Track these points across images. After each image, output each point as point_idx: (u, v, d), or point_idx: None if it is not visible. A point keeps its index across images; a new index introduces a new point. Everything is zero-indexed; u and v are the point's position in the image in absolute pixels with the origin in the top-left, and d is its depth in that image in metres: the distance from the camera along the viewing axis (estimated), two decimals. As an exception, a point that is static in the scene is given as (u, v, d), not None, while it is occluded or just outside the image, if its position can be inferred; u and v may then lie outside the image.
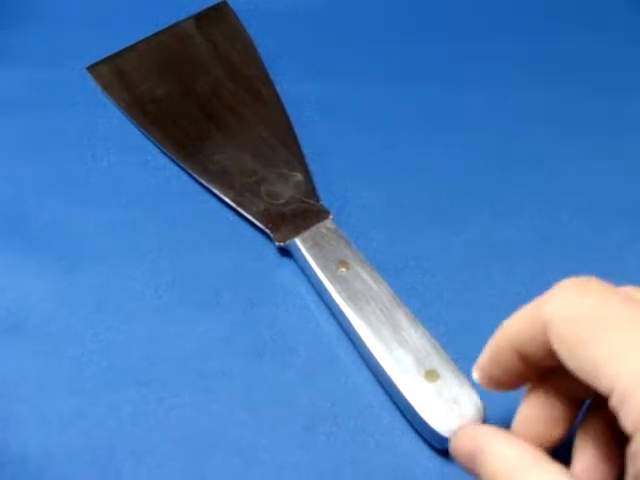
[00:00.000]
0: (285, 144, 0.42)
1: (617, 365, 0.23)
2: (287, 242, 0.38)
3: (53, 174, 0.42)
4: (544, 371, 0.28)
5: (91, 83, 0.46)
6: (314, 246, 0.37)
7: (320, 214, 0.39)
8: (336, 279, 0.36)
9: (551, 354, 0.26)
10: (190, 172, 0.42)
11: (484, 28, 0.49)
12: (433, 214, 0.41)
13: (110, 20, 0.49)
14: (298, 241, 0.38)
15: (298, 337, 0.37)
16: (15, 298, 0.38)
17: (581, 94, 0.45)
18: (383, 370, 0.34)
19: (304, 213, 0.39)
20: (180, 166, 0.42)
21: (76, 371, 0.36)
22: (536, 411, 0.29)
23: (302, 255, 0.37)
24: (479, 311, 0.37)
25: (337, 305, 0.36)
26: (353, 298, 0.36)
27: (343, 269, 0.36)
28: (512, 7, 0.50)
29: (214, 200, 0.41)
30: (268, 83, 0.45)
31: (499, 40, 0.48)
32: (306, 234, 0.38)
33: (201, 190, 0.42)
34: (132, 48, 0.47)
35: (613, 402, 0.24)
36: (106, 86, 0.45)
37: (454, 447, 0.30)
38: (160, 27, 0.48)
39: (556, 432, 0.28)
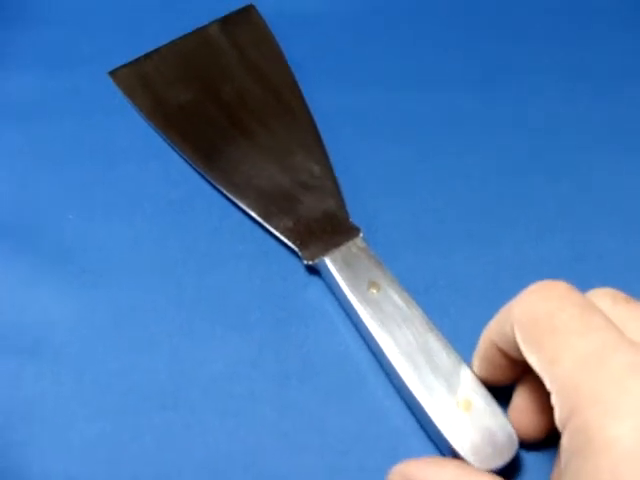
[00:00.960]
0: (313, 156, 0.41)
1: (554, 367, 0.26)
2: (316, 261, 0.37)
3: (72, 185, 0.41)
4: (526, 365, 0.29)
5: (111, 89, 0.44)
6: (344, 266, 0.36)
7: (350, 232, 0.37)
8: (366, 301, 0.35)
9: (520, 351, 0.28)
10: (215, 184, 0.40)
11: (516, 37, 0.47)
12: (464, 230, 0.39)
13: (131, 24, 0.48)
14: (327, 260, 0.36)
15: (327, 359, 0.36)
16: (34, 316, 0.37)
17: (617, 105, 0.44)
18: (414, 397, 0.32)
19: (334, 230, 0.38)
20: (204, 177, 0.41)
21: (98, 393, 0.35)
22: (524, 401, 0.31)
23: (331, 275, 0.36)
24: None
25: (367, 328, 0.34)
26: (384, 321, 0.34)
27: (374, 290, 0.35)
28: (544, 16, 0.48)
29: (240, 214, 0.40)
30: (296, 91, 0.43)
31: (531, 49, 0.46)
32: (336, 253, 0.37)
33: (226, 203, 0.40)
34: (155, 52, 0.45)
35: (552, 401, 0.26)
36: (128, 91, 0.44)
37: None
38: (184, 31, 0.46)
39: (543, 420, 0.31)
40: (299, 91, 0.44)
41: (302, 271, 0.38)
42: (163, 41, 0.46)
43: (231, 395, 0.34)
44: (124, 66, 0.45)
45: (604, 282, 0.38)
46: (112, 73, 0.45)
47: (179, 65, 0.45)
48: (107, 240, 0.39)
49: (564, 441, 0.25)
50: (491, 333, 0.31)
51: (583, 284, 0.37)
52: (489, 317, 0.36)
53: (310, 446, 0.33)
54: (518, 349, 0.28)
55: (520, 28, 0.48)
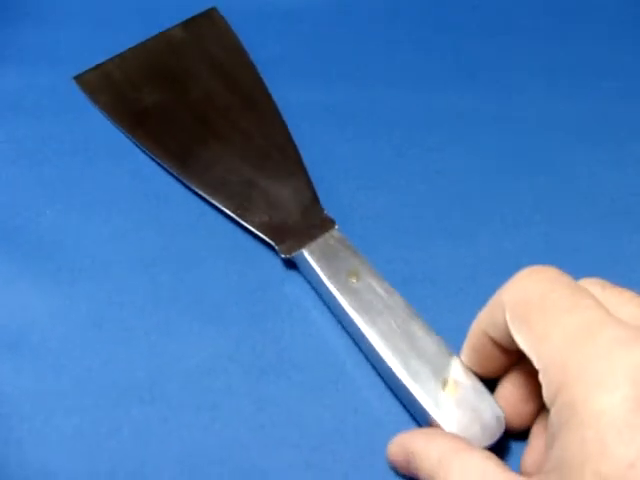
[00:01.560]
0: (283, 152, 0.41)
1: (543, 344, 0.27)
2: (293, 254, 0.37)
3: (50, 182, 0.41)
4: (517, 356, 0.31)
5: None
6: (322, 257, 0.36)
7: (325, 224, 0.38)
8: (347, 290, 0.35)
9: (510, 336, 0.29)
10: (188, 183, 0.41)
11: (496, 33, 0.47)
12: (442, 224, 0.40)
13: (101, 26, 0.48)
14: (305, 252, 0.37)
15: (304, 353, 0.36)
16: (13, 313, 0.37)
17: (596, 101, 0.44)
18: (400, 383, 0.33)
19: (309, 224, 0.38)
20: (177, 178, 0.41)
21: (76, 389, 0.35)
22: (511, 388, 0.32)
23: (310, 267, 0.36)
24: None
25: (349, 317, 0.35)
26: (366, 309, 0.34)
27: (353, 280, 0.35)
28: (526, 12, 0.48)
29: (215, 211, 0.40)
30: (262, 89, 0.44)
31: (512, 45, 0.47)
32: (313, 245, 0.37)
33: (202, 201, 0.40)
34: (120, 56, 0.45)
35: (539, 378, 0.27)
36: (94, 96, 0.44)
37: (390, 460, 0.32)
38: (149, 34, 0.47)
39: (529, 407, 0.31)
40: (265, 89, 0.44)
41: (279, 266, 0.38)
42: (129, 44, 0.46)
43: (208, 389, 0.35)
44: (89, 70, 0.45)
45: (579, 274, 0.38)
46: (78, 78, 0.45)
47: (144, 68, 0.45)
48: (84, 237, 0.39)
49: (552, 416, 0.26)
50: (481, 322, 0.31)
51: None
52: (467, 310, 0.37)
53: (287, 440, 0.33)
54: (509, 335, 0.29)
55: (499, 24, 0.48)
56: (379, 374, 0.35)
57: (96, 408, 0.34)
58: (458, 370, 0.33)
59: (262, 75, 0.45)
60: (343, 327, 0.36)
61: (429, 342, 0.33)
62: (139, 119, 0.43)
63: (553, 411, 0.26)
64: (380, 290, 0.35)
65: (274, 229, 0.38)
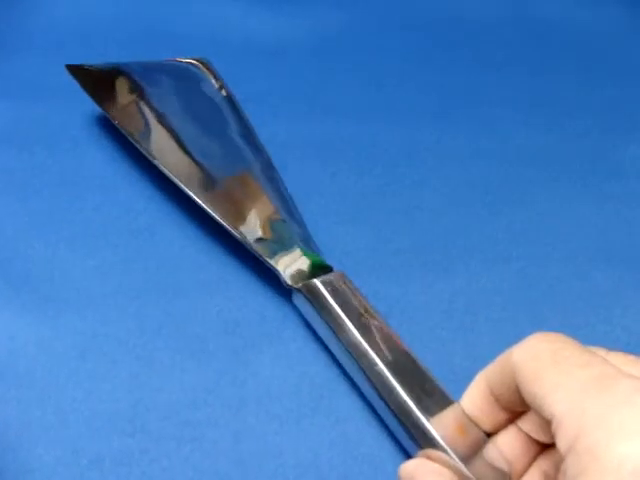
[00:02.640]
0: (275, 191, 0.42)
1: (557, 393, 0.27)
2: (300, 284, 0.37)
3: (38, 214, 0.42)
4: (513, 416, 0.31)
5: (79, 120, 0.45)
6: (333, 290, 0.37)
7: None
8: (360, 324, 0.36)
9: (517, 394, 0.29)
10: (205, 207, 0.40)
11: (475, 69, 0.49)
12: (420, 260, 0.41)
13: (90, 56, 0.48)
14: (318, 282, 0.37)
15: (284, 386, 0.36)
16: (-1, 343, 0.38)
17: (574, 136, 0.46)
18: (412, 418, 0.33)
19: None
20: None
21: (59, 420, 0.35)
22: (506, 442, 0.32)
23: (319, 298, 0.37)
24: (465, 361, 0.37)
25: (360, 350, 0.35)
26: (375, 344, 0.35)
27: (365, 315, 0.36)
28: (501, 49, 0.50)
29: (202, 244, 0.41)
30: (247, 131, 0.45)
31: (491, 81, 0.48)
32: (325, 277, 0.37)
33: (188, 233, 0.41)
34: (115, 67, 0.46)
35: (553, 427, 0.27)
36: (84, 83, 0.44)
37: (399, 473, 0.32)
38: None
39: (517, 467, 0.31)
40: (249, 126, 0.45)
41: (260, 300, 0.39)
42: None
43: (188, 421, 0.35)
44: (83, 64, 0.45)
45: (554, 310, 0.39)
46: (69, 66, 0.45)
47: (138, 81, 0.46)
48: (71, 269, 0.40)
49: (568, 464, 0.26)
50: (487, 379, 0.31)
51: (533, 312, 0.39)
52: (442, 345, 0.38)
53: (266, 472, 0.34)
54: (514, 393, 0.29)
55: (476, 60, 0.49)
56: (372, 409, 0.35)
57: (78, 439, 0.35)
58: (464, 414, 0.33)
59: (245, 111, 0.46)
60: (335, 360, 0.37)
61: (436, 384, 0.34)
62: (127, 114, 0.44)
63: (570, 459, 0.26)
64: (384, 327, 0.36)
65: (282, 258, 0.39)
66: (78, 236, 0.41)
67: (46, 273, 0.40)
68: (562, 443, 0.26)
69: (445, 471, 0.31)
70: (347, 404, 0.36)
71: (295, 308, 0.39)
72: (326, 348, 0.37)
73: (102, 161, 0.44)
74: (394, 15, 0.51)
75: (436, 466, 0.31)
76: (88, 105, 0.46)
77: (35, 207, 0.42)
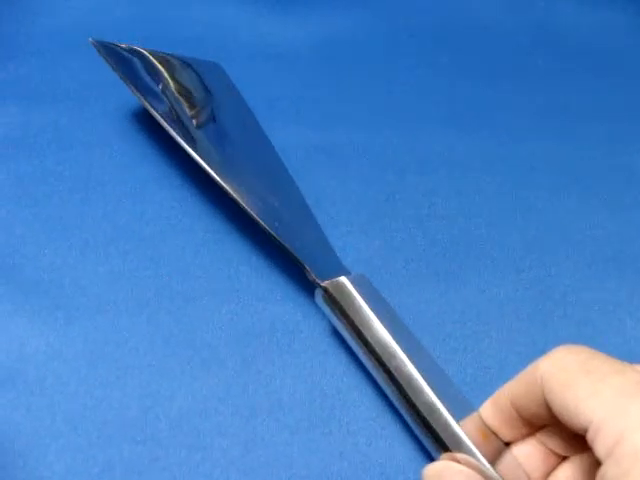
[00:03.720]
0: (290, 199, 0.42)
1: (592, 401, 0.27)
2: (329, 281, 0.37)
3: (50, 221, 0.42)
4: (532, 429, 0.32)
5: (89, 124, 0.45)
6: (361, 289, 0.36)
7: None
8: (389, 325, 0.35)
9: (542, 407, 0.29)
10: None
11: (486, 76, 0.48)
12: (431, 269, 0.41)
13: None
14: (346, 280, 0.36)
15: (295, 395, 0.36)
16: (9, 350, 0.37)
17: (586, 145, 0.45)
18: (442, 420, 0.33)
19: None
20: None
21: (70, 427, 0.35)
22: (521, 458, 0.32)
23: (349, 296, 0.36)
24: (477, 371, 0.37)
25: (391, 349, 0.34)
26: (409, 343, 0.35)
27: (394, 314, 0.36)
28: (518, 54, 0.49)
29: (214, 251, 0.41)
30: (261, 134, 0.45)
31: (503, 86, 0.48)
32: (351, 276, 0.37)
33: (199, 240, 0.41)
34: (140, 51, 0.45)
35: (589, 434, 0.27)
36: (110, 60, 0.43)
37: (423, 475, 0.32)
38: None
39: (534, 477, 0.32)
40: (262, 133, 0.45)
41: (271, 309, 0.39)
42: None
43: (199, 430, 0.35)
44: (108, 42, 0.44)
45: (567, 320, 0.39)
46: (94, 42, 0.43)
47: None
48: (82, 276, 0.40)
49: (608, 468, 0.26)
50: (510, 393, 0.31)
51: (546, 322, 0.39)
52: (454, 355, 0.38)
53: (276, 482, 0.34)
54: (537, 403, 0.29)
55: (487, 67, 0.49)
56: (387, 417, 0.35)
57: (89, 447, 0.35)
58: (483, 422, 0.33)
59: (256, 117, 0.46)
60: (347, 371, 0.37)
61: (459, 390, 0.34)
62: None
63: (610, 463, 0.26)
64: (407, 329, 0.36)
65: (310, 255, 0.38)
66: (89, 243, 0.41)
67: (57, 280, 0.40)
68: (601, 448, 0.26)
69: (472, 473, 0.31)
70: (358, 415, 0.36)
71: (306, 318, 0.39)
72: (338, 359, 0.37)
73: (112, 167, 0.44)
74: (405, 20, 0.51)
75: (464, 468, 0.31)
76: (98, 109, 0.46)
77: (45, 213, 0.42)
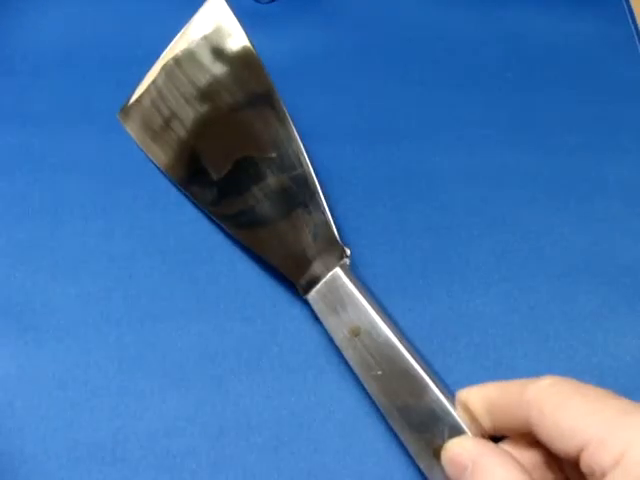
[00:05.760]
0: (304, 191, 0.40)
1: (591, 419, 0.28)
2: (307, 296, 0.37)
3: (19, 243, 0.42)
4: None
5: (60, 146, 0.45)
6: (325, 307, 0.37)
7: (339, 253, 0.38)
8: (348, 344, 0.36)
9: (520, 427, 0.30)
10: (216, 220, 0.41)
11: (459, 86, 0.48)
12: (400, 284, 0.40)
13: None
14: (310, 300, 0.37)
15: (262, 414, 0.37)
16: (-23, 373, 0.38)
17: (557, 156, 0.45)
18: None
19: (323, 253, 0.38)
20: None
21: (39, 450, 0.35)
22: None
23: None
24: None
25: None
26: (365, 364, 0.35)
27: (354, 335, 0.36)
28: (489, 66, 0.49)
29: (182, 271, 0.41)
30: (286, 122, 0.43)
31: (474, 99, 0.47)
32: (318, 291, 0.37)
33: (166, 260, 0.41)
34: (152, 84, 0.45)
35: (588, 451, 0.27)
36: (138, 137, 0.45)
37: (447, 454, 0.32)
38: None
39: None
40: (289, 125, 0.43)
41: (239, 328, 0.39)
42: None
43: (168, 450, 0.36)
44: (129, 106, 0.46)
45: (536, 333, 0.39)
46: (121, 114, 0.46)
47: (173, 92, 0.45)
48: (52, 297, 0.40)
49: (619, 474, 0.26)
50: (485, 399, 0.32)
51: (513, 336, 0.39)
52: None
53: (245, 501, 0.34)
54: (515, 423, 0.30)
55: (460, 80, 0.49)
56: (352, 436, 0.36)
57: (58, 469, 0.35)
58: (454, 431, 0.33)
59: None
60: (313, 390, 0.37)
61: (427, 400, 0.33)
62: (172, 153, 0.44)
63: (619, 471, 0.26)
64: (381, 344, 0.35)
65: (290, 266, 0.39)
66: (59, 264, 0.41)
67: (27, 303, 0.40)
68: (606, 459, 0.27)
69: (513, 464, 0.30)
70: (326, 433, 0.36)
71: (274, 337, 0.39)
72: (305, 377, 0.37)
73: (81, 189, 0.43)
74: (374, 34, 0.50)
75: (505, 457, 0.30)
76: (68, 133, 0.46)
77: (15, 235, 0.42)
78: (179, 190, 0.43)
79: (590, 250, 0.42)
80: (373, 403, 0.36)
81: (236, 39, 0.44)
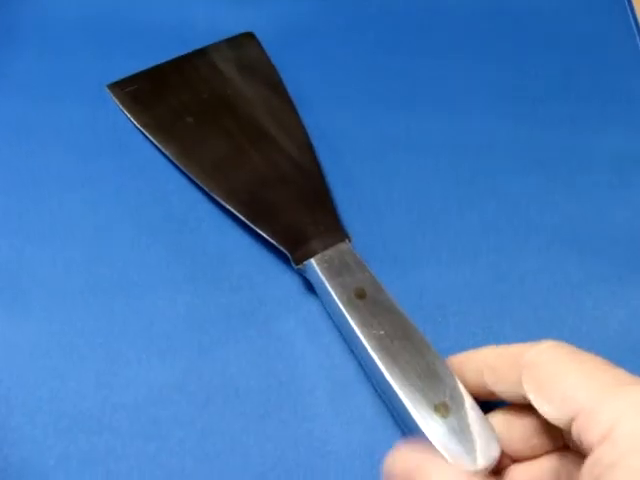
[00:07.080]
0: (309, 177, 0.42)
1: (589, 387, 0.27)
2: (304, 263, 0.38)
3: (3, 214, 0.41)
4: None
5: (42, 119, 0.45)
6: (330, 269, 0.37)
7: (339, 236, 0.38)
8: (352, 306, 0.36)
9: (514, 393, 0.30)
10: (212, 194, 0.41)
11: (448, 56, 0.48)
12: (390, 254, 0.40)
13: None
14: (314, 262, 0.37)
15: (250, 382, 0.36)
16: (-38, 344, 0.37)
17: (545, 127, 0.45)
18: (397, 402, 0.33)
19: (322, 234, 0.38)
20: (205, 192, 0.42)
21: (26, 419, 0.35)
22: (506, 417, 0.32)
23: (317, 278, 0.37)
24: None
25: (352, 331, 0.35)
26: (369, 325, 0.35)
27: (359, 296, 0.36)
28: (478, 37, 0.49)
29: (168, 240, 0.41)
30: (293, 114, 0.44)
31: (463, 69, 0.47)
32: (321, 256, 0.37)
33: (153, 230, 0.41)
34: (156, 68, 0.46)
35: (578, 422, 0.27)
36: (126, 107, 0.45)
37: (390, 465, 0.31)
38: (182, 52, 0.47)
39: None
40: (296, 113, 0.44)
41: (226, 296, 0.39)
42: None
43: (155, 419, 0.35)
44: (123, 80, 0.46)
45: (525, 302, 0.39)
46: (110, 86, 0.46)
47: (178, 81, 0.46)
48: (37, 267, 0.39)
49: (603, 452, 0.26)
50: (476, 365, 0.32)
51: (503, 306, 0.39)
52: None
53: (231, 470, 0.34)
54: (509, 388, 0.30)
55: (447, 49, 0.49)
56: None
57: (45, 438, 0.35)
58: (455, 392, 0.33)
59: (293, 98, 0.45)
60: (301, 357, 0.37)
61: (429, 361, 0.34)
62: (170, 132, 0.44)
63: (605, 447, 0.26)
64: (384, 307, 0.36)
65: (287, 239, 0.39)
66: (45, 234, 0.41)
67: (12, 271, 0.39)
68: (594, 433, 0.26)
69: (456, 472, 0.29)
70: (313, 401, 0.36)
71: (262, 305, 0.38)
72: (293, 345, 0.37)
73: (67, 161, 0.43)
74: (363, 5, 0.50)
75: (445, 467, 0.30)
76: (55, 104, 0.46)
77: (2, 205, 0.41)
78: (170, 161, 0.43)
79: (579, 220, 0.42)
80: (361, 371, 0.36)
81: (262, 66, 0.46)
